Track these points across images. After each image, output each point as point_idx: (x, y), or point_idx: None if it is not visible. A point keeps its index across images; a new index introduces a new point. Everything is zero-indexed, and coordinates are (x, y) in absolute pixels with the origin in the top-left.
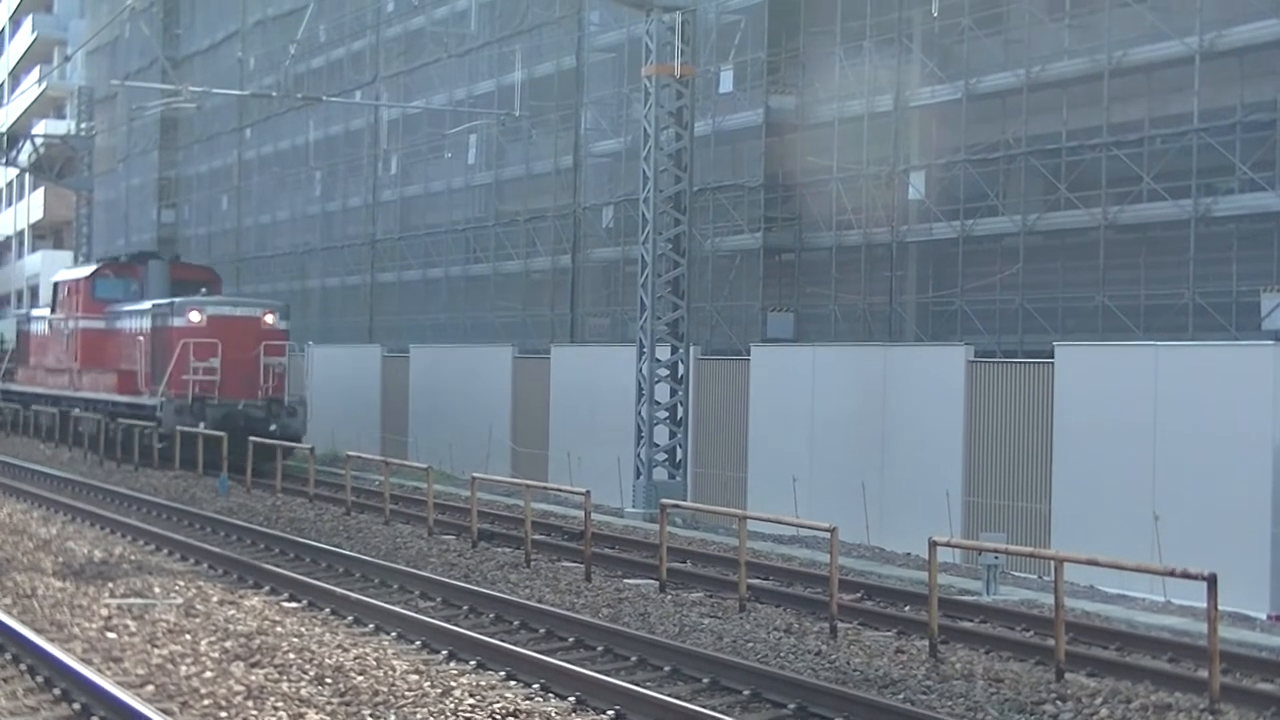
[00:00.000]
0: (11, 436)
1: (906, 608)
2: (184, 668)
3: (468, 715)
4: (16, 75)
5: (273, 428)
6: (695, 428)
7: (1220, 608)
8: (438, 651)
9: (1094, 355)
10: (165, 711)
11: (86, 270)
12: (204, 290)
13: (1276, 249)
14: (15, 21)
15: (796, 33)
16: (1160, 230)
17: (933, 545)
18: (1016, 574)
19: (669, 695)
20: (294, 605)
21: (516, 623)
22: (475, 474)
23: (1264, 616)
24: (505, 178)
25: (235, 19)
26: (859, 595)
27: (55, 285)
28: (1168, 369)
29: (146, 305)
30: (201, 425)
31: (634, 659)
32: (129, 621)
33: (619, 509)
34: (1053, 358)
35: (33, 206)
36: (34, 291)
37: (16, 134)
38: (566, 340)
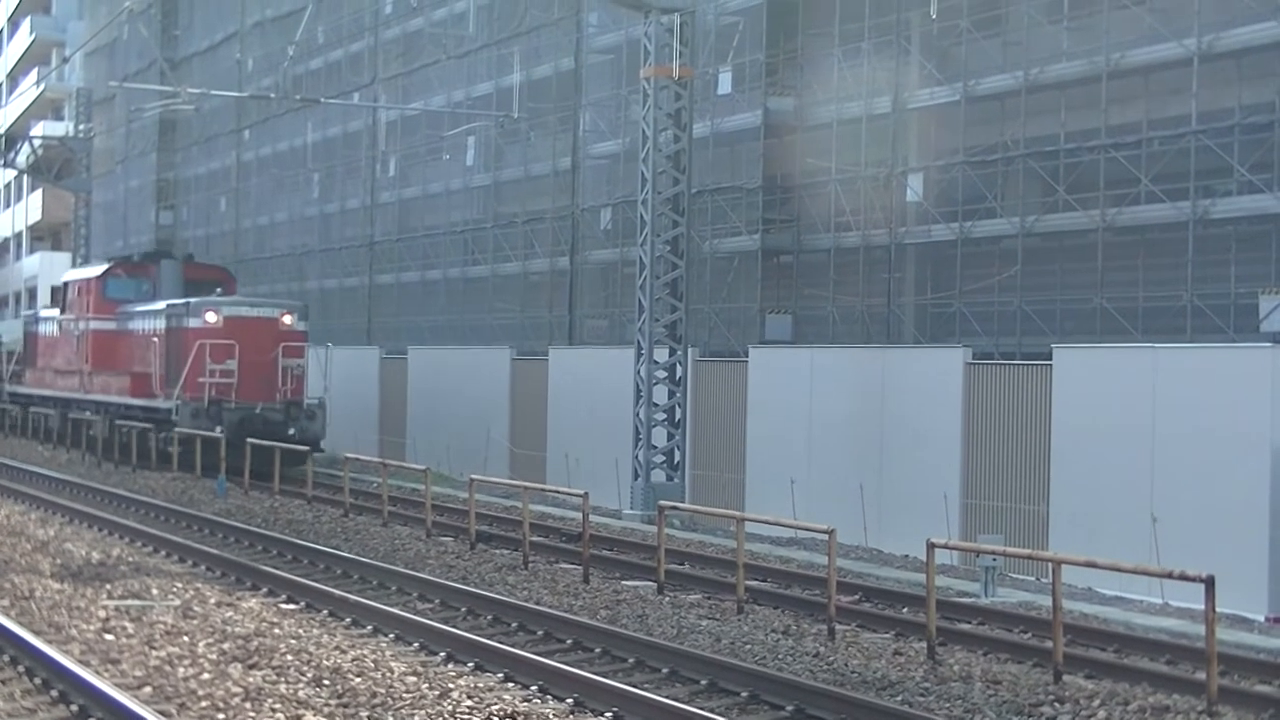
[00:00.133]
0: (10, 438)
1: (905, 609)
2: (182, 669)
3: (466, 717)
4: (15, 77)
5: (291, 431)
6: (693, 429)
7: (1218, 610)
8: (436, 653)
9: (1092, 357)
10: (163, 713)
11: (98, 269)
12: (219, 290)
13: (1275, 251)
14: (13, 23)
15: (795, 34)
16: (1158, 232)
17: (931, 547)
18: (1015, 576)
19: (667, 697)
20: (292, 607)
21: (514, 624)
22: (473, 475)
23: (1262, 618)
24: (503, 179)
25: (234, 20)
26: (857, 597)
27: (65, 285)
28: (1166, 371)
29: (161, 305)
30: (218, 429)
31: (632, 661)
32: (127, 623)
33: (617, 511)
34: (1051, 360)
35: (31, 208)
36: (32, 293)
37: (15, 135)
38: (565, 342)
